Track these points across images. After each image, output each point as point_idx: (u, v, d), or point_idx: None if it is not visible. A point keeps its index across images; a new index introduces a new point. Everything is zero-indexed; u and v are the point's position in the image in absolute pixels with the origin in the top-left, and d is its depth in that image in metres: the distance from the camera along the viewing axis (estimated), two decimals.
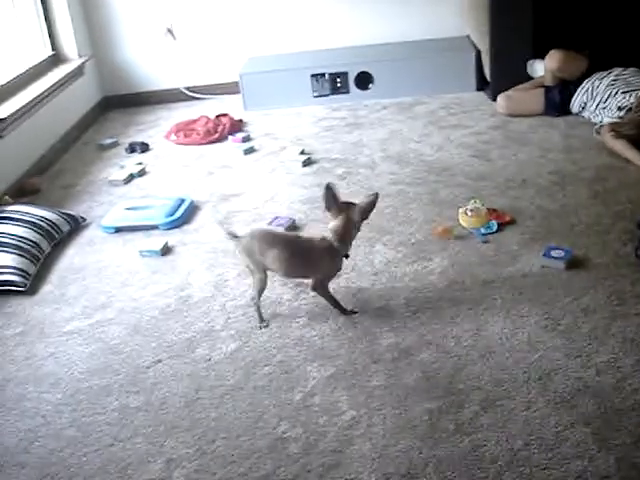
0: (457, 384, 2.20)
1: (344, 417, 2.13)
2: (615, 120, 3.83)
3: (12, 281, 2.98)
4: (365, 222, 2.55)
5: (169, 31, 5.30)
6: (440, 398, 2.15)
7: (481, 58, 4.81)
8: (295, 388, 2.27)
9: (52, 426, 2.24)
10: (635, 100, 3.83)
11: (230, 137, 4.52)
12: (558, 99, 4.25)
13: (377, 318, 2.58)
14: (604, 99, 3.98)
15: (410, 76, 4.93)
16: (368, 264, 2.90)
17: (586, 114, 4.13)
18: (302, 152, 4.13)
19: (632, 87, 3.91)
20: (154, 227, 3.41)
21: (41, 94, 4.34)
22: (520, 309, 2.52)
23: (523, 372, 2.22)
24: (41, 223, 3.31)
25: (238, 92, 5.09)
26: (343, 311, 2.61)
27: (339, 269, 2.62)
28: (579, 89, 4.16)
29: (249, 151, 4.30)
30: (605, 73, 4.09)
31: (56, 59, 5.00)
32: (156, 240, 3.27)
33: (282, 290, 2.73)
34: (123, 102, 5.43)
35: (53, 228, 3.34)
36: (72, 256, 3.27)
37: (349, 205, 2.52)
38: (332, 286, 2.72)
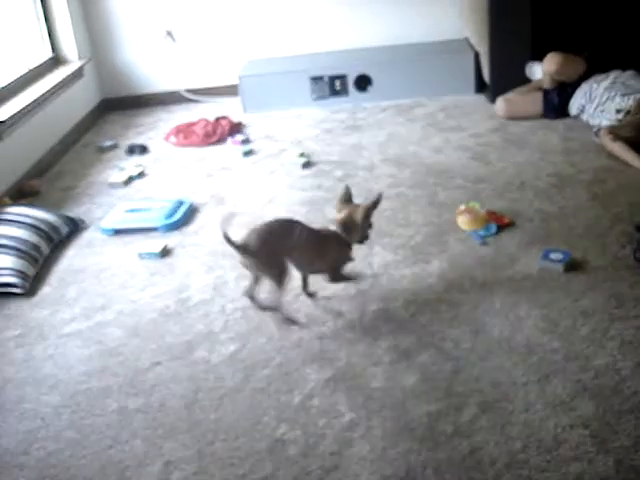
0: (456, 386, 2.21)
1: (343, 419, 2.13)
2: (613, 123, 3.84)
3: (11, 283, 2.98)
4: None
5: (169, 34, 5.30)
6: (439, 400, 2.16)
7: (480, 61, 4.81)
8: (294, 390, 2.27)
9: (51, 428, 2.24)
10: (633, 103, 3.83)
11: (229, 139, 4.52)
12: (557, 102, 4.25)
13: (376, 320, 2.58)
14: (602, 102, 3.99)
15: (409, 78, 4.94)
16: (367, 266, 2.90)
17: (584, 117, 4.13)
18: (301, 154, 4.13)
19: (630, 90, 3.92)
20: (153, 229, 3.41)
21: (41, 96, 4.34)
22: (519, 311, 2.53)
23: (522, 374, 2.22)
24: (40, 225, 3.31)
25: (237, 94, 5.09)
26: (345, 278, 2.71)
27: (349, 258, 2.66)
28: (577, 92, 4.17)
29: (248, 153, 4.30)
30: (603, 76, 4.10)
31: (56, 61, 5.01)
32: (155, 242, 3.27)
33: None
34: (123, 104, 5.43)
35: (52, 230, 3.34)
36: (71, 258, 3.27)
37: (354, 205, 2.62)
38: (332, 289, 2.73)
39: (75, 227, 3.50)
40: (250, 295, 2.62)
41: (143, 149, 4.52)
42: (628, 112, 3.82)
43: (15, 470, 2.10)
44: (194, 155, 4.39)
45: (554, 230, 3.04)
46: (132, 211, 3.54)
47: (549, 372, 2.22)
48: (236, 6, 5.21)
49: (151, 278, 3.03)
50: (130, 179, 4.08)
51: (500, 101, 4.43)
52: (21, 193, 3.94)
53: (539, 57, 4.37)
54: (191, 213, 3.56)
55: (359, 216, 2.58)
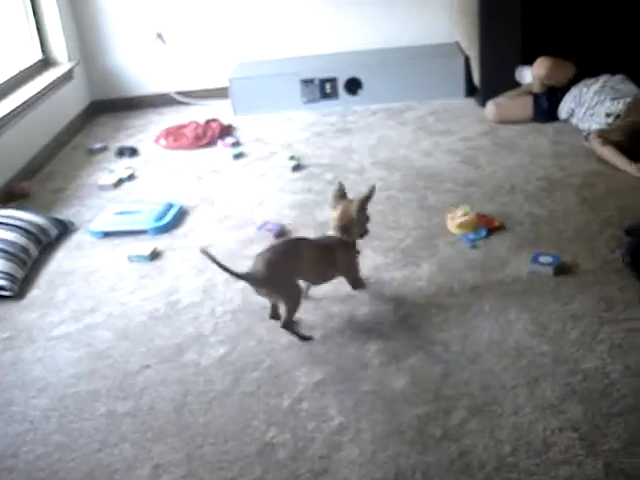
0: (445, 390, 2.21)
1: (332, 423, 2.13)
2: (603, 127, 3.85)
3: (0, 286, 2.97)
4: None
5: (159, 36, 5.29)
6: (428, 403, 2.16)
7: (470, 64, 4.82)
8: (284, 394, 2.27)
9: (39, 431, 2.23)
10: (623, 107, 3.85)
11: (220, 142, 4.52)
12: (546, 106, 4.27)
13: (365, 323, 2.58)
14: (592, 106, 4.00)
15: (399, 82, 4.94)
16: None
17: (574, 121, 4.15)
18: (291, 157, 4.13)
19: (620, 94, 3.93)
20: (143, 232, 3.40)
21: (30, 98, 4.33)
22: (508, 315, 2.53)
23: (511, 378, 2.22)
24: (29, 227, 3.29)
25: (228, 97, 5.09)
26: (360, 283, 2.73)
27: (357, 258, 2.68)
28: (567, 96, 4.18)
29: (238, 156, 4.30)
30: (593, 80, 4.12)
31: (46, 63, 4.99)
32: (145, 245, 3.26)
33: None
34: (113, 106, 5.42)
35: (41, 232, 3.33)
36: (60, 260, 3.26)
37: (348, 200, 2.64)
38: (322, 291, 2.73)
39: (64, 229, 3.49)
40: (274, 317, 2.61)
41: (133, 151, 4.51)
42: (618, 116, 3.84)
43: (4, 473, 2.09)
44: (184, 158, 4.38)
45: (544, 234, 3.05)
46: (122, 213, 3.53)
47: (538, 375, 2.22)
48: (226, 8, 5.21)
49: (140, 281, 3.02)
50: (120, 181, 4.07)
51: (490, 105, 4.44)
52: (11, 195, 3.92)
53: (529, 61, 4.38)
54: (181, 216, 3.55)
55: (354, 210, 2.59)
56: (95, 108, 5.40)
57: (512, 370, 2.26)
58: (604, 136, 3.73)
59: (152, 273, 3.07)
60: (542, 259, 2.78)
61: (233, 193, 3.80)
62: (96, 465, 2.08)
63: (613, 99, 3.92)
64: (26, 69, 4.69)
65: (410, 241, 3.09)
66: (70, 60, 5.06)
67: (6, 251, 3.09)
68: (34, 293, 3.02)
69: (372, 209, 2.68)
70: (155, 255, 3.20)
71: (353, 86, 4.97)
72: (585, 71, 4.21)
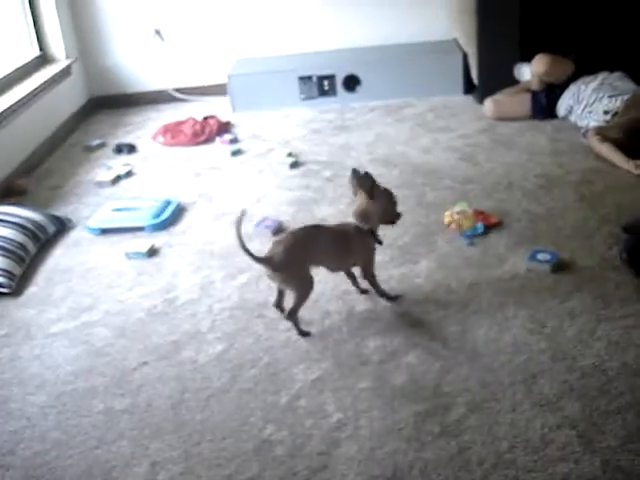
0: (443, 386, 2.21)
1: (330, 420, 2.13)
2: (601, 124, 3.85)
3: None
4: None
5: (157, 32, 5.29)
6: (426, 400, 2.16)
7: (468, 61, 4.82)
8: (281, 391, 2.27)
9: (37, 428, 2.23)
10: (621, 104, 3.85)
11: (218, 139, 4.51)
12: (545, 103, 4.27)
13: (364, 320, 2.58)
14: (590, 103, 4.00)
15: (398, 79, 4.94)
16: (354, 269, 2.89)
17: (572, 118, 4.15)
18: (289, 154, 4.13)
19: (618, 91, 3.93)
20: (140, 229, 3.40)
21: (28, 95, 4.32)
22: (506, 312, 2.53)
23: (509, 374, 2.22)
24: (27, 224, 3.29)
25: (226, 94, 5.08)
26: (389, 298, 2.66)
27: (374, 250, 2.63)
28: (565, 93, 4.18)
29: (236, 153, 4.30)
30: (591, 77, 4.11)
31: (43, 59, 4.98)
32: (142, 242, 3.26)
33: (268, 293, 2.72)
34: (110, 103, 5.41)
35: (39, 229, 3.33)
36: (58, 257, 3.26)
37: (368, 185, 2.55)
38: (320, 288, 2.73)
39: (62, 226, 3.49)
40: (278, 306, 2.61)
41: (131, 148, 4.50)
42: (616, 113, 3.84)
43: (1, 470, 2.08)
44: (182, 154, 4.37)
45: (542, 231, 3.05)
46: (119, 210, 3.53)
47: (536, 372, 2.22)
48: (225, 5, 5.20)
49: (138, 278, 3.02)
50: (118, 178, 4.06)
51: (488, 102, 4.43)
52: (8, 192, 3.91)
53: (527, 58, 4.38)
54: (179, 213, 3.55)
55: (364, 198, 2.55)
56: (93, 105, 5.40)
57: (510, 367, 2.26)
58: (602, 133, 3.73)
59: (150, 270, 3.07)
60: (540, 256, 2.78)
61: (231, 190, 3.80)
62: (93, 462, 2.07)
63: (611, 96, 3.92)
64: (24, 66, 4.68)
65: (408, 238, 3.09)
66: (68, 57, 5.06)
67: (4, 248, 3.08)
68: (32, 290, 3.02)
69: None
70: (153, 252, 3.20)
71: (351, 83, 4.96)
72: (583, 68, 4.20)
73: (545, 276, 2.72)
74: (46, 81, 4.60)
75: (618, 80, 4.03)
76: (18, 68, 4.60)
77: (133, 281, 3.00)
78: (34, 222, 3.33)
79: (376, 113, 4.75)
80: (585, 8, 4.39)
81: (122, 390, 2.35)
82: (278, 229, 3.24)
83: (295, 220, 3.33)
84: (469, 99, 4.81)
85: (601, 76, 4.08)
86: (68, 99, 5.06)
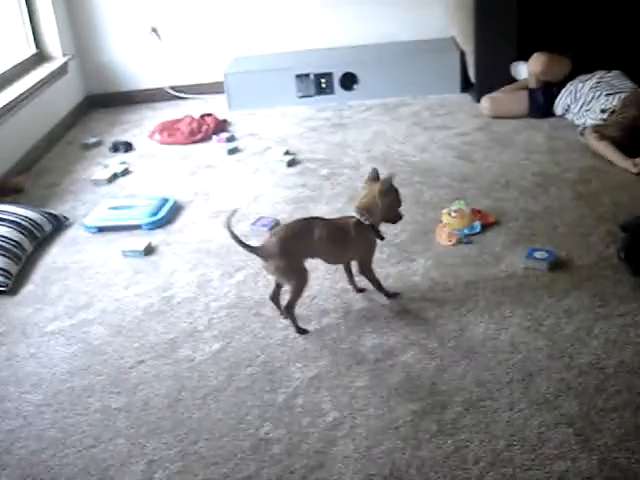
0: (440, 385, 2.21)
1: (327, 418, 2.12)
2: (598, 122, 3.85)
3: None
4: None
5: (154, 30, 5.28)
6: (423, 399, 2.16)
7: (465, 60, 4.82)
8: (278, 389, 2.27)
9: (33, 427, 2.22)
10: (618, 102, 3.85)
11: (214, 137, 4.51)
12: (542, 101, 4.27)
13: (360, 319, 2.58)
14: (587, 101, 4.00)
15: (395, 77, 4.93)
16: (352, 265, 2.88)
17: (569, 116, 4.15)
18: (286, 152, 4.12)
19: (615, 89, 3.94)
20: (137, 227, 3.39)
21: (24, 92, 4.31)
22: (503, 310, 2.53)
23: (506, 373, 2.22)
24: (24, 222, 3.28)
25: (223, 92, 5.07)
26: (387, 294, 2.66)
27: (374, 245, 2.62)
28: (563, 91, 4.18)
29: (233, 151, 4.29)
30: (588, 76, 4.12)
31: (40, 57, 4.97)
32: (139, 240, 3.25)
33: (265, 291, 2.72)
34: (107, 101, 5.40)
35: (36, 227, 3.32)
36: (55, 256, 3.25)
37: (377, 183, 2.57)
38: (318, 288, 2.73)
39: (59, 224, 3.48)
40: (274, 299, 2.62)
41: (128, 146, 4.50)
42: (613, 112, 3.84)
43: None
44: (179, 153, 4.37)
45: (539, 229, 3.05)
46: (116, 208, 3.52)
47: (533, 371, 2.22)
48: (222, 3, 5.19)
49: (135, 276, 3.01)
50: (114, 176, 4.06)
51: (485, 100, 4.43)
52: (5, 190, 3.90)
53: (525, 57, 4.38)
54: (175, 211, 3.55)
55: (375, 193, 2.53)
56: (89, 103, 5.39)
57: (507, 365, 2.26)
58: (600, 131, 3.73)
59: (146, 268, 3.06)
60: (537, 254, 2.78)
61: (228, 188, 3.79)
62: (90, 461, 2.07)
63: (608, 95, 3.92)
64: (20, 63, 4.67)
65: (405, 236, 3.09)
66: (64, 54, 5.05)
67: (0, 246, 3.07)
68: (28, 288, 3.01)
69: None
70: (149, 250, 3.19)
71: (349, 81, 4.96)
72: (581, 67, 4.21)
73: (542, 274, 2.72)
74: (43, 79, 4.59)
75: (615, 78, 4.03)
76: (15, 66, 4.59)
77: (130, 279, 2.99)
78: (30, 220, 3.33)
79: (373, 111, 4.75)
80: (582, 7, 4.39)
81: (119, 389, 2.35)
82: (275, 227, 3.23)
83: (292, 219, 3.32)
84: (466, 97, 4.81)
85: (598, 74, 4.09)
86: (65, 97, 5.06)
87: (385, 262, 2.90)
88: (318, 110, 4.88)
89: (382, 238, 2.62)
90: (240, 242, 2.44)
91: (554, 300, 2.56)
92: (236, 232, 2.42)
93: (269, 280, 2.75)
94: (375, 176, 2.60)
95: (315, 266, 2.77)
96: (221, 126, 4.66)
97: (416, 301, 2.64)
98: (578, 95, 4.07)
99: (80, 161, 4.39)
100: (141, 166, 4.22)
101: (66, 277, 3.06)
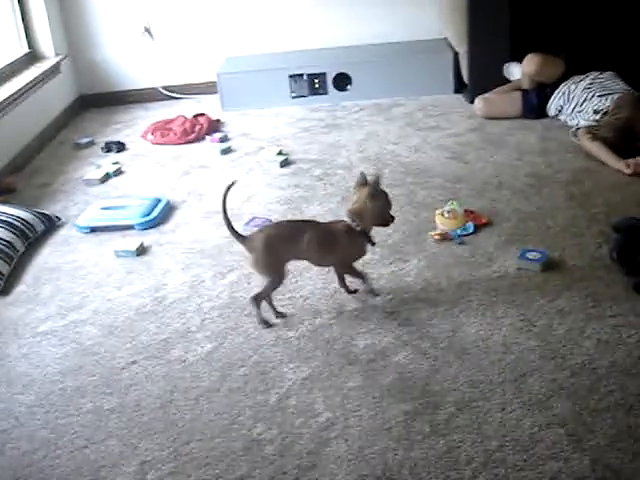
0: (433, 385, 2.21)
1: (320, 419, 2.12)
2: (591, 123, 3.86)
3: None
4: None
5: (147, 30, 5.27)
6: (416, 399, 2.15)
7: (459, 60, 4.82)
8: (271, 390, 2.26)
9: (25, 427, 2.22)
10: (611, 103, 3.86)
11: (207, 137, 4.50)
12: (535, 102, 4.27)
13: (353, 319, 2.57)
14: (580, 102, 4.01)
15: (388, 78, 4.93)
16: None
17: (562, 117, 4.16)
18: (280, 153, 4.12)
19: (608, 91, 3.94)
20: (130, 227, 3.38)
21: (17, 92, 4.29)
22: (496, 311, 2.53)
23: (498, 373, 2.22)
24: (15, 222, 3.27)
25: (216, 92, 5.07)
26: (371, 289, 2.67)
27: (363, 251, 2.62)
28: (556, 92, 4.19)
29: (226, 151, 4.28)
30: (582, 77, 4.12)
31: (32, 57, 4.95)
32: (132, 240, 3.25)
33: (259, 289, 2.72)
34: (100, 101, 5.39)
35: (27, 228, 3.31)
36: (47, 256, 3.24)
37: (365, 186, 2.56)
38: (311, 288, 2.73)
39: (51, 225, 3.47)
40: (259, 305, 2.62)
41: (120, 146, 4.48)
42: (606, 113, 3.85)
43: None
44: (172, 153, 4.36)
45: (531, 230, 3.06)
46: (108, 209, 3.51)
47: (526, 371, 2.22)
48: (214, 3, 5.19)
49: (127, 276, 3.00)
50: (107, 176, 4.04)
51: (479, 101, 4.44)
52: None
53: (518, 58, 4.38)
54: (168, 211, 3.54)
55: (364, 198, 2.54)
56: (82, 103, 5.37)
57: (499, 366, 2.26)
58: (593, 132, 3.74)
59: (139, 269, 3.05)
60: (530, 255, 2.78)
61: (221, 188, 3.76)
62: (82, 462, 2.06)
63: (601, 96, 3.93)
64: (12, 63, 4.65)
65: (398, 237, 3.08)
66: (57, 54, 5.03)
67: None
68: (20, 289, 3.00)
69: None
70: (142, 250, 3.19)
71: (342, 81, 4.96)
72: (574, 68, 4.21)
73: (535, 275, 2.72)
74: (35, 79, 4.58)
75: (608, 80, 4.03)
76: (7, 65, 4.57)
77: (122, 280, 2.98)
78: (22, 220, 3.32)
79: (366, 112, 4.75)
80: (576, 8, 4.39)
81: (111, 389, 2.34)
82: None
83: (285, 218, 3.32)
84: (459, 98, 4.81)
85: (591, 75, 4.09)
86: (57, 97, 5.04)
87: (378, 263, 2.90)
88: (311, 110, 4.87)
89: (373, 243, 2.63)
90: (230, 226, 2.53)
91: (547, 301, 2.56)
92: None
93: (262, 281, 2.75)
94: (363, 181, 2.60)
95: (308, 267, 2.77)
96: (214, 126, 4.66)
97: (409, 302, 2.64)
98: (571, 96, 4.08)
99: (72, 161, 4.38)
100: (134, 166, 4.22)
101: (58, 277, 3.05)
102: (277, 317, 2.61)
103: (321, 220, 2.76)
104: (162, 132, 4.57)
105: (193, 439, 2.10)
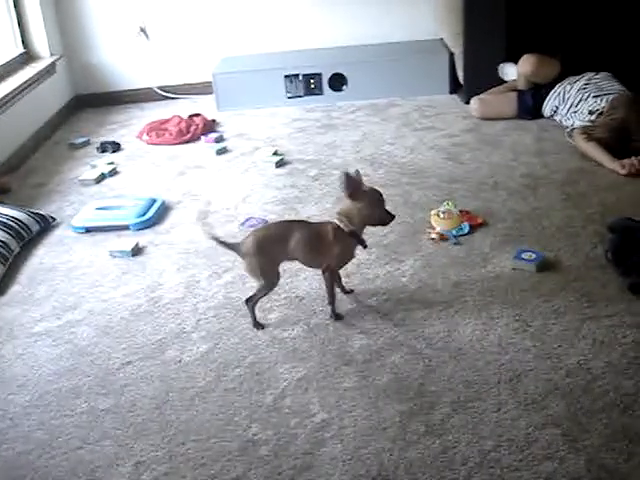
0: (428, 386, 2.21)
1: (315, 419, 2.12)
2: (586, 124, 3.86)
3: None
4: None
5: (142, 30, 5.26)
6: (411, 400, 2.15)
7: (455, 61, 4.83)
8: (266, 390, 2.26)
9: (20, 428, 2.21)
10: (606, 104, 3.86)
11: (203, 137, 4.50)
12: (531, 103, 4.27)
13: (349, 320, 2.57)
14: (575, 103, 4.02)
15: (384, 78, 4.93)
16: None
17: (558, 118, 4.16)
18: (275, 153, 4.12)
19: (603, 91, 3.95)
20: (125, 227, 3.38)
21: (12, 92, 4.29)
22: (491, 311, 2.53)
23: (494, 374, 2.23)
24: (10, 223, 3.27)
25: (211, 92, 5.07)
26: (333, 311, 2.60)
27: (351, 254, 2.58)
28: (551, 93, 4.19)
29: (222, 151, 4.28)
30: (577, 77, 4.13)
31: (27, 57, 4.95)
32: (127, 240, 3.24)
33: (253, 291, 2.71)
34: (95, 101, 5.39)
35: (22, 228, 3.30)
36: (41, 256, 3.24)
37: (350, 186, 2.48)
38: (306, 289, 2.73)
39: (46, 225, 3.46)
40: (253, 305, 2.62)
41: (116, 147, 4.48)
42: (601, 113, 3.85)
43: None
44: (167, 153, 4.36)
45: (527, 230, 3.06)
46: (104, 209, 3.51)
47: (521, 371, 2.22)
48: (210, 3, 5.18)
49: (122, 277, 3.00)
50: (102, 177, 4.04)
51: (474, 101, 4.44)
52: None
53: (513, 58, 4.38)
54: (163, 211, 3.54)
55: (359, 199, 2.49)
56: (77, 103, 5.37)
57: (495, 366, 2.26)
58: (588, 132, 3.74)
59: (134, 269, 3.05)
60: (525, 255, 2.78)
61: (216, 189, 3.78)
62: (77, 462, 2.06)
63: (596, 96, 3.93)
64: (7, 63, 4.65)
65: (393, 237, 3.09)
66: (52, 54, 5.03)
67: None
68: (15, 289, 2.99)
69: None
70: (137, 251, 3.18)
71: (338, 82, 4.96)
72: (569, 68, 4.22)
73: (530, 275, 2.72)
74: (30, 79, 4.57)
75: (604, 80, 4.04)
76: (2, 65, 4.56)
77: (117, 280, 2.98)
78: (17, 220, 3.31)
79: (362, 112, 4.75)
80: (571, 8, 4.40)
81: (106, 390, 2.34)
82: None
83: (281, 219, 3.32)
84: (455, 98, 4.81)
85: (586, 76, 4.10)
86: (52, 97, 5.04)
87: (373, 263, 2.90)
88: (307, 111, 4.87)
89: (365, 246, 2.59)
90: (218, 240, 2.54)
91: (542, 301, 2.57)
92: (216, 232, 2.44)
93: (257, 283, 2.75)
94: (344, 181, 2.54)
95: (303, 267, 2.77)
96: (210, 126, 4.65)
97: (404, 302, 2.64)
98: (566, 96, 4.08)
99: (68, 161, 4.37)
100: (129, 166, 4.21)
101: (53, 278, 3.05)
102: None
103: (316, 221, 2.76)
104: (157, 132, 4.56)
105: (188, 440, 2.09)
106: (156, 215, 3.45)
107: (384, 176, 3.71)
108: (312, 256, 2.57)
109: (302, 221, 2.64)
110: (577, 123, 3.93)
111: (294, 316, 2.62)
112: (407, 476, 1.89)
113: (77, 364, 2.48)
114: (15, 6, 4.85)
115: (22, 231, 3.29)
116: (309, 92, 4.99)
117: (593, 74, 4.10)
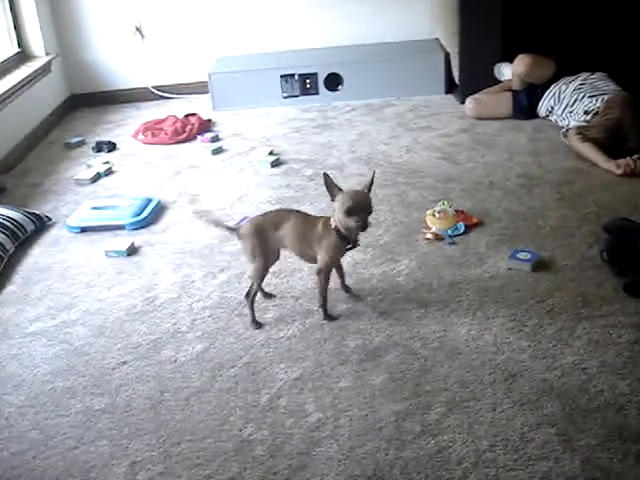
0: (424, 385, 2.21)
1: (310, 419, 2.12)
2: (582, 124, 3.87)
3: None
4: None
5: (137, 30, 5.26)
6: (407, 400, 2.16)
7: (450, 61, 4.83)
8: (262, 390, 2.26)
9: (15, 428, 2.21)
10: (601, 104, 3.87)
11: (198, 137, 4.49)
12: (526, 103, 4.28)
13: (344, 319, 2.57)
14: (571, 103, 4.02)
15: (379, 78, 4.94)
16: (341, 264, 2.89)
17: (553, 118, 4.17)
18: (271, 153, 4.12)
19: (598, 91, 3.95)
20: (120, 227, 3.37)
21: (7, 91, 4.28)
22: (486, 311, 2.54)
23: (489, 373, 2.23)
24: (5, 222, 3.26)
25: (207, 92, 5.06)
26: (325, 313, 2.58)
27: (335, 248, 2.51)
28: (546, 93, 4.20)
29: (217, 151, 4.28)
30: (572, 77, 4.13)
31: (22, 56, 4.94)
32: (122, 240, 3.24)
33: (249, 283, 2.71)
34: (90, 100, 5.38)
35: (18, 228, 3.30)
36: (37, 256, 3.23)
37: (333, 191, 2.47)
38: (302, 289, 2.73)
39: (41, 225, 3.46)
40: (253, 300, 2.63)
41: (111, 146, 4.47)
42: (596, 113, 3.86)
43: None
44: (163, 153, 4.35)
45: (522, 230, 3.06)
46: (99, 209, 3.50)
47: (516, 371, 2.23)
48: (205, 3, 5.18)
49: (118, 277, 2.99)
50: (97, 176, 4.03)
51: (470, 101, 4.44)
52: None
53: (509, 58, 4.39)
54: (159, 211, 3.53)
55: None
56: (73, 102, 5.36)
57: (490, 366, 2.26)
58: (583, 133, 3.75)
59: (129, 269, 3.05)
60: (520, 255, 2.79)
61: (212, 188, 3.78)
62: (72, 462, 2.06)
63: (592, 96, 3.94)
64: (2, 62, 4.63)
65: (389, 237, 3.09)
66: (47, 53, 5.02)
67: None
68: (10, 289, 2.99)
69: None
70: (133, 251, 3.18)
71: (333, 82, 4.96)
72: (565, 69, 4.22)
73: (525, 275, 2.72)
74: (25, 78, 4.56)
75: (599, 80, 4.04)
76: None
77: (113, 280, 2.97)
78: (12, 220, 3.30)
79: (358, 112, 4.75)
80: (567, 8, 4.40)
81: (101, 390, 2.33)
82: None
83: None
84: (450, 98, 4.82)
85: (582, 76, 4.10)
86: (48, 96, 5.03)
87: (369, 263, 2.90)
88: (303, 110, 4.87)
89: (352, 246, 2.53)
90: (217, 223, 2.70)
91: (537, 300, 2.57)
92: (213, 215, 2.48)
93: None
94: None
95: (299, 267, 2.78)
96: (205, 126, 4.65)
97: (400, 302, 2.64)
98: (562, 97, 4.09)
99: (63, 161, 4.37)
100: (124, 166, 4.21)
101: (48, 277, 3.04)
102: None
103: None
104: (153, 132, 4.56)
105: (184, 439, 2.09)
106: (151, 215, 3.45)
107: (380, 176, 3.70)
108: (300, 245, 2.56)
109: (298, 211, 2.63)
110: (572, 123, 3.93)
111: (290, 316, 2.61)
112: (402, 476, 1.89)
113: (72, 364, 2.47)
114: (10, 5, 4.84)
115: (17, 231, 3.28)
116: (305, 92, 4.99)
117: (588, 74, 4.11)
